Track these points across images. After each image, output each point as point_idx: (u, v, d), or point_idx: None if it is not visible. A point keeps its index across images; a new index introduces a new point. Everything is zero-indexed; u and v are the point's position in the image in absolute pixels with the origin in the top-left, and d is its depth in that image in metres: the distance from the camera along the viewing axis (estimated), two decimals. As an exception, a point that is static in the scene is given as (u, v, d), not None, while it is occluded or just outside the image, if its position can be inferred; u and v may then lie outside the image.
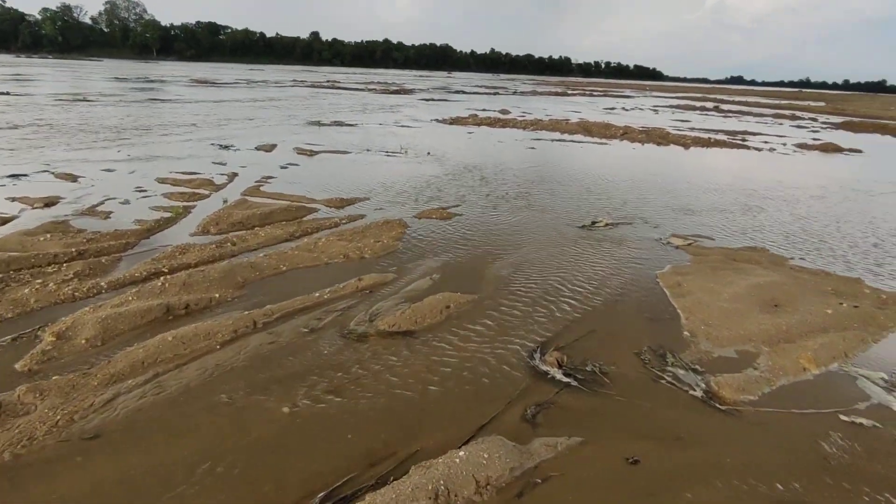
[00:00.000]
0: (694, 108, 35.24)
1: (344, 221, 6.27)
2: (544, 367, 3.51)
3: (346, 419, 2.88)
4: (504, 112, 24.21)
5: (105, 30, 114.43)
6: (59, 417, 2.78)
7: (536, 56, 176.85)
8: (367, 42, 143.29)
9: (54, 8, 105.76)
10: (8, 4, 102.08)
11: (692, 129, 21.23)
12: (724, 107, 39.20)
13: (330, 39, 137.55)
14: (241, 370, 3.27)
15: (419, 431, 2.84)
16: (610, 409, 3.15)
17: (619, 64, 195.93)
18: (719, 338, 4.03)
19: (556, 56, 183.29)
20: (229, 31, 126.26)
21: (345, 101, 26.51)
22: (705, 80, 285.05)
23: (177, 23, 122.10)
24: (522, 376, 3.40)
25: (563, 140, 15.79)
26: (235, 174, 8.46)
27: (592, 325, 4.14)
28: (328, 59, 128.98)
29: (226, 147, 11.04)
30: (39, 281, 4.34)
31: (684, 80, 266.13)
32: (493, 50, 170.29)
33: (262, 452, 2.61)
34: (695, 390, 3.38)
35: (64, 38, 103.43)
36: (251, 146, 11.35)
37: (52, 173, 8.05)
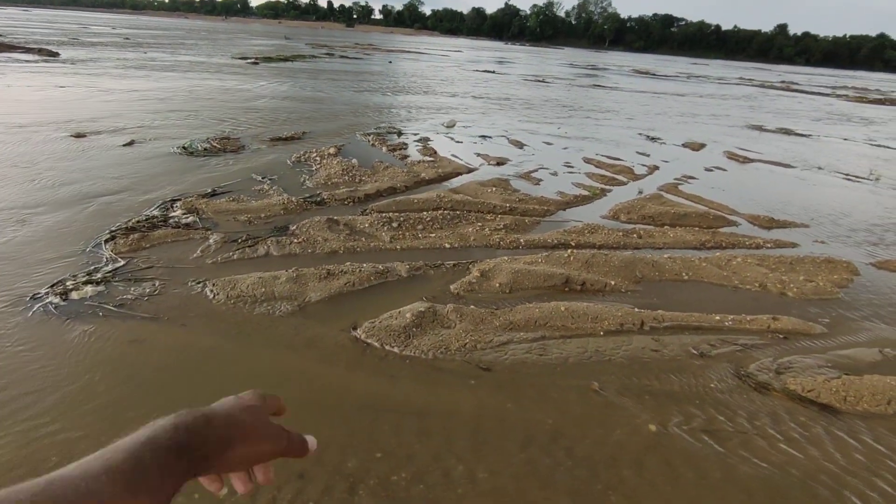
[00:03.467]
0: None
1: (768, 245, 5.31)
2: None
3: (720, 473, 2.42)
4: None
5: (573, 22, 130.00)
6: (467, 341, 3.31)
7: None
8: (849, 37, 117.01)
9: (541, 4, 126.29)
10: (511, 2, 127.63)
11: None
12: None
13: (798, 34, 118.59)
14: (617, 366, 3.17)
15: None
16: None
17: None
18: None
19: None
20: (683, 23, 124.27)
21: (799, 106, 22.51)
22: None
23: (634, 15, 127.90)
24: None
25: None
26: (656, 167, 8.30)
27: None
28: (789, 57, 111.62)
29: (652, 139, 10.96)
30: (480, 224, 5.28)
31: None
32: None
33: (616, 459, 2.46)
34: None
35: (540, 30, 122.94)
36: (678, 142, 10.92)
37: (507, 138, 9.69)
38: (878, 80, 61.96)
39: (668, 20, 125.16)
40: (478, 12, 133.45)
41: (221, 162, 6.76)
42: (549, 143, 9.57)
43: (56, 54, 17.81)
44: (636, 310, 3.78)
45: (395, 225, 5.08)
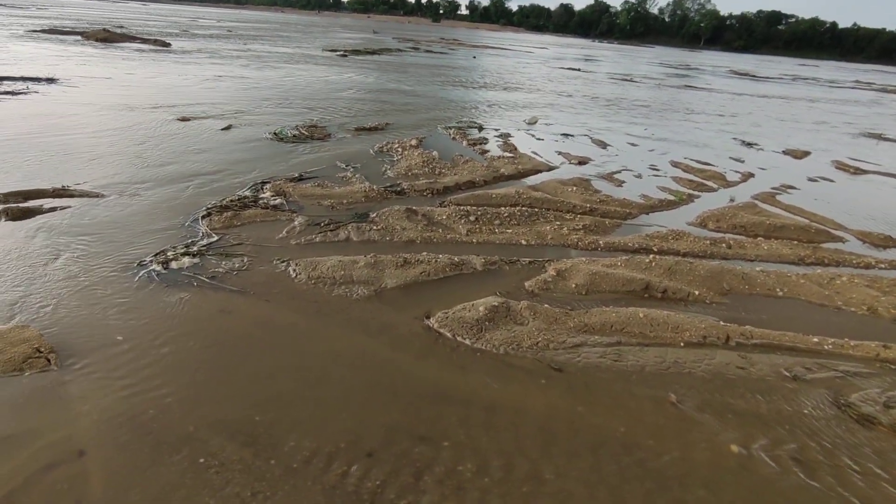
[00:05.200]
0: None
1: (881, 266, 4.80)
2: None
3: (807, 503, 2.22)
4: None
5: (666, 19, 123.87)
6: (540, 339, 3.25)
7: None
8: None
9: (633, 0, 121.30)
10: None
11: None
12: None
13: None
14: (698, 380, 3.00)
15: None
16: None
17: None
18: None
19: None
20: (792, 20, 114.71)
21: (924, 114, 20.15)
22: None
23: (736, 12, 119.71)
24: None
25: None
26: (751, 175, 7.74)
27: None
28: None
29: (748, 144, 10.24)
30: (558, 223, 5.17)
31: None
32: None
33: (692, 477, 2.32)
34: None
35: (631, 27, 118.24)
36: (777, 148, 10.12)
37: (590, 138, 9.41)
38: None
39: (776, 17, 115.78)
40: (565, 8, 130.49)
41: (308, 148, 7.07)
42: (633, 145, 9.19)
43: (168, 44, 19.37)
44: (721, 323, 3.56)
45: (472, 218, 5.09)
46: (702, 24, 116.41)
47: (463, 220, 5.01)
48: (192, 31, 29.37)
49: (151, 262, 3.74)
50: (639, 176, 7.12)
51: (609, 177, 6.94)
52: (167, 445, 2.26)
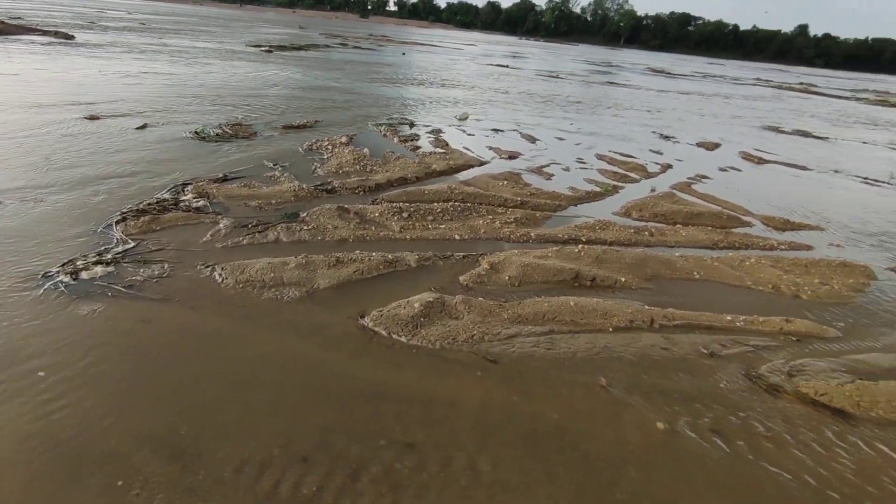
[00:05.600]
0: None
1: (783, 247, 5.23)
2: None
3: (731, 477, 2.38)
4: None
5: (588, 19, 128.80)
6: (475, 332, 3.28)
7: None
8: (872, 40, 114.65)
9: (556, 0, 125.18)
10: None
11: None
12: None
13: (818, 35, 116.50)
14: (627, 363, 3.14)
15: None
16: None
17: None
18: None
19: None
20: (700, 21, 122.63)
21: (817, 108, 22.19)
22: None
23: (651, 12, 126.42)
24: None
25: None
26: (669, 166, 8.20)
27: None
28: (808, 59, 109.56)
29: (666, 137, 10.85)
30: (490, 217, 5.24)
31: None
32: None
33: (624, 458, 2.42)
34: None
35: (555, 26, 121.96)
36: (692, 141, 10.79)
37: (520, 133, 9.62)
38: (898, 84, 60.91)
39: (686, 19, 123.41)
40: (493, 6, 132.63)
41: (234, 148, 6.76)
42: (561, 139, 9.49)
43: (72, 37, 17.89)
44: (647, 307, 3.74)
45: (405, 215, 5.06)
46: (621, 24, 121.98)
47: (396, 218, 4.97)
48: (101, 23, 27.29)
49: (58, 272, 3.44)
50: (567, 169, 7.36)
51: (539, 170, 7.12)
52: (87, 464, 2.09)
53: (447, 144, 8.14)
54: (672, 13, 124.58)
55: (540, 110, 12.85)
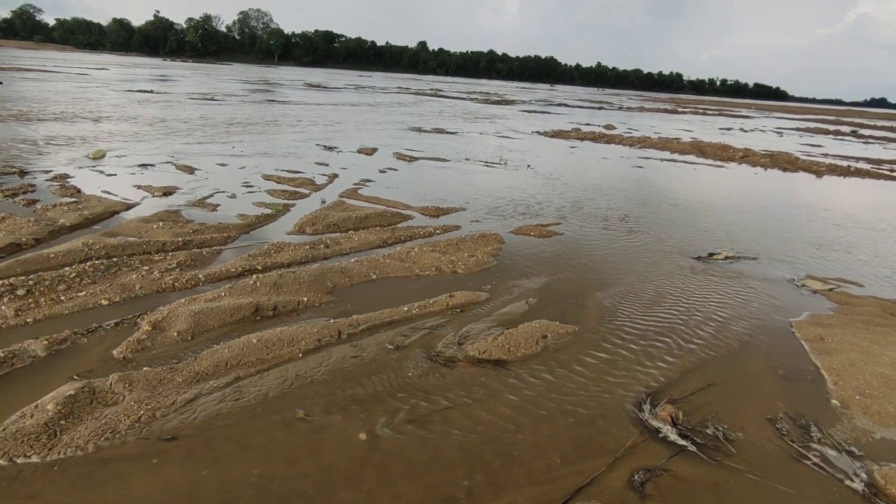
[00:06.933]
0: (827, 132, 31.63)
1: (438, 232, 6.04)
2: (655, 423, 2.99)
3: (427, 457, 2.56)
4: (609, 127, 23.12)
5: (237, 37, 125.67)
6: (142, 413, 2.73)
7: (645, 71, 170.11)
8: (471, 53, 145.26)
9: (198, 17, 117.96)
10: (162, 14, 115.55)
11: (825, 154, 18.96)
12: (865, 132, 34.87)
13: (436, 49, 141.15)
14: (320, 384, 3.08)
15: (508, 482, 2.46)
16: (738, 487, 2.58)
17: (736, 82, 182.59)
18: (882, 414, 3.26)
19: (665, 72, 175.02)
20: (343, 39, 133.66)
21: (447, 108, 26.74)
22: (839, 102, 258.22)
23: (297, 31, 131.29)
24: (628, 430, 2.91)
25: (674, 160, 14.66)
26: (336, 175, 8.58)
27: (712, 376, 3.53)
28: (433, 69, 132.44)
29: (329, 148, 11.35)
30: (146, 268, 4.49)
31: (813, 100, 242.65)
32: (599, 64, 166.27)
33: (333, 485, 2.36)
34: (852, 480, 2.70)
35: (203, 45, 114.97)
36: (353, 148, 11.58)
37: (175, 164, 8.62)
38: (495, 85, 78.76)
39: (330, 36, 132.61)
40: (121, 24, 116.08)
41: None
42: (224, 164, 8.91)
43: None
44: (332, 321, 3.77)
45: (20, 293, 3.89)
46: (271, 42, 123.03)
47: (6, 298, 3.78)
48: None
49: None
50: (233, 196, 6.92)
51: (201, 203, 6.49)
52: None
53: (79, 191, 6.68)
54: (317, 31, 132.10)
55: (197, 137, 11.81)
